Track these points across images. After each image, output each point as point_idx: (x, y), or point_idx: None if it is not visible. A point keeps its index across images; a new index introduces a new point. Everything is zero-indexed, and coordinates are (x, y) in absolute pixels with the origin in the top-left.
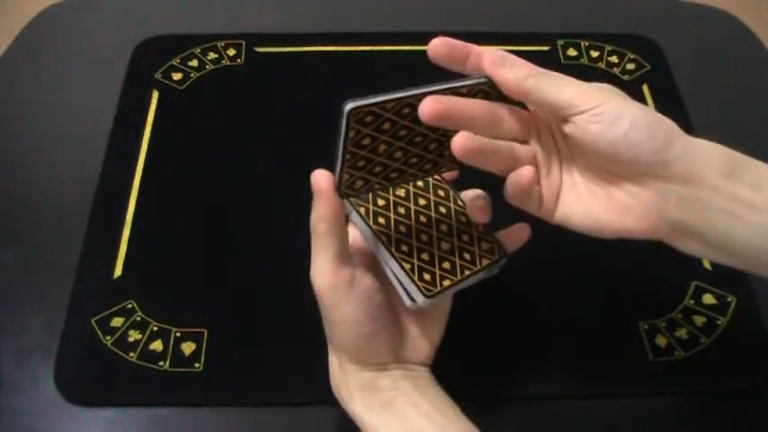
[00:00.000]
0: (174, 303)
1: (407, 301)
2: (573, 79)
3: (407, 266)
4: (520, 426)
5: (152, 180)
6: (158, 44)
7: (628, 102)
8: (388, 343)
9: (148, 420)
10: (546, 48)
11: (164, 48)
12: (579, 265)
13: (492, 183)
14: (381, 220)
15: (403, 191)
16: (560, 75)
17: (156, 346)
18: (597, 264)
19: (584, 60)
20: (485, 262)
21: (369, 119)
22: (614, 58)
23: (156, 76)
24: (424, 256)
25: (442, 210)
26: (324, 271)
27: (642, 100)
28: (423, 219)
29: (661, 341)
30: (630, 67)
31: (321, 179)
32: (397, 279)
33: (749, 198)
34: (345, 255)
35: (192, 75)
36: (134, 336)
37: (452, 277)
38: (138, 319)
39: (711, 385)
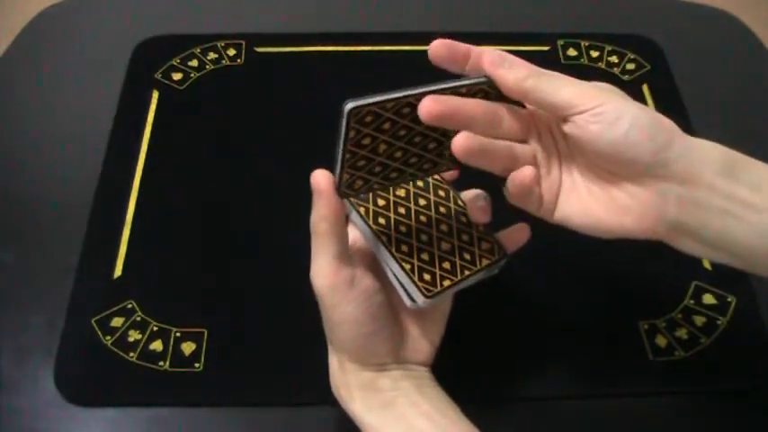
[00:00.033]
0: (174, 303)
1: (407, 302)
2: (572, 79)
3: (407, 266)
4: (520, 426)
5: (152, 180)
6: (158, 44)
7: (628, 102)
8: (389, 343)
9: (148, 420)
10: (546, 48)
11: (164, 48)
12: (579, 266)
13: (492, 183)
14: (381, 221)
15: (403, 191)
16: (560, 75)
17: (156, 346)
18: (597, 264)
19: (584, 60)
20: (485, 262)
21: (369, 118)
22: (614, 58)
23: (156, 76)
24: (424, 257)
25: (442, 210)
26: (324, 271)
27: (642, 100)
28: (423, 219)
29: (661, 341)
30: (630, 67)
31: (321, 179)
32: (397, 279)
33: (748, 198)
34: (345, 255)
35: (192, 75)
36: (134, 336)
37: (452, 277)
38: (138, 319)
39: (711, 385)
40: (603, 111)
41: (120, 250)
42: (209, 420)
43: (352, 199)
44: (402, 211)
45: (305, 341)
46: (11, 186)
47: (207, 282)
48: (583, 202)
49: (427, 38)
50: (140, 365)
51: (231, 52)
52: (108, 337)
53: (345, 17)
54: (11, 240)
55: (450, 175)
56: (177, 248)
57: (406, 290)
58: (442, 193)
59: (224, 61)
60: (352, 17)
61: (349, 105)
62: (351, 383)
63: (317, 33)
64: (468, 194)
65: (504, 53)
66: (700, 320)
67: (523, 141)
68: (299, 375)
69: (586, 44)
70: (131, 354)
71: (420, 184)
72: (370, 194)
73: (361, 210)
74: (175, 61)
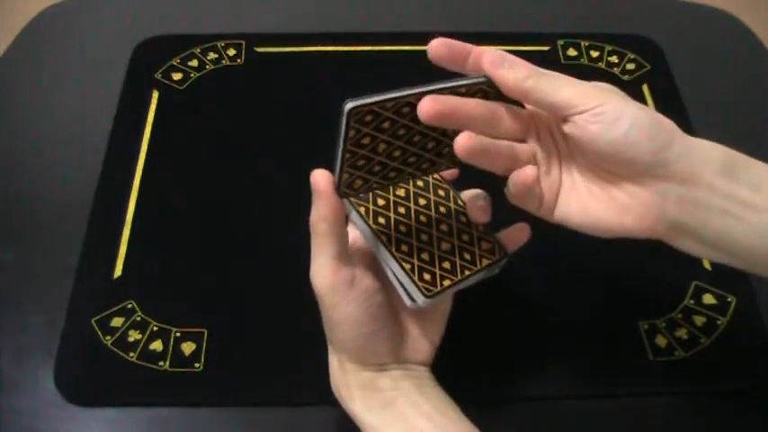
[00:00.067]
0: (174, 303)
1: (407, 301)
2: (572, 79)
3: (407, 266)
4: (520, 426)
5: (152, 180)
6: (158, 44)
7: (628, 102)
8: (389, 343)
9: (148, 420)
10: (546, 48)
11: (164, 48)
12: (579, 265)
13: (492, 183)
14: (381, 220)
15: (403, 191)
16: (560, 75)
17: (156, 346)
18: (597, 264)
19: (584, 60)
20: (485, 262)
21: (369, 118)
22: (614, 58)
23: (156, 76)
24: (425, 256)
25: (442, 210)
26: (324, 271)
27: (642, 100)
28: (423, 219)
29: (661, 341)
30: (630, 67)
31: (321, 179)
32: (397, 279)
33: (748, 198)
34: (345, 255)
35: (192, 75)
36: (134, 336)
37: (452, 277)
38: (138, 319)
39: (711, 385)
40: (603, 111)
41: (120, 250)
42: (209, 420)
43: (351, 198)
44: (402, 210)
45: (305, 341)
46: (11, 186)
47: (207, 282)
48: (582, 202)
49: (427, 38)
50: (140, 365)
51: (231, 52)
52: (108, 337)
53: (345, 17)
54: (11, 240)
55: (450, 174)
56: (177, 248)
57: (406, 290)
58: (441, 192)
59: (224, 61)
60: (352, 17)
61: (349, 105)
62: (351, 383)
63: (317, 33)
64: (468, 194)
65: (505, 53)
66: (700, 320)
67: (522, 141)
68: (299, 375)
69: (586, 44)
70: (131, 354)
71: (420, 183)
72: (370, 194)
73: (361, 209)
74: (175, 61)
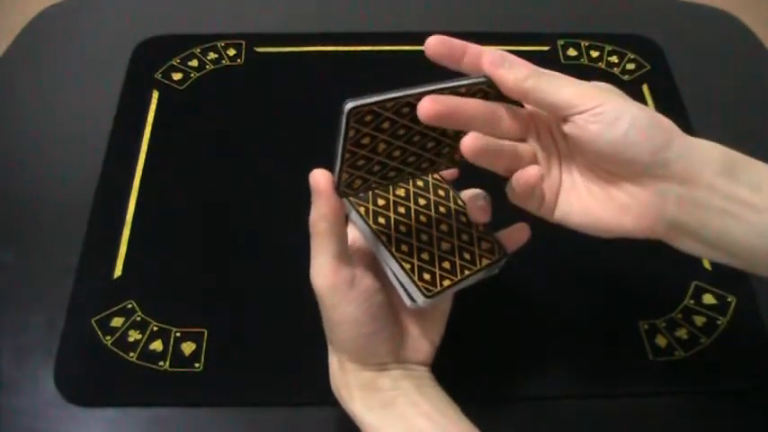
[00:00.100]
0: (174, 303)
1: (407, 301)
2: (572, 79)
3: (407, 266)
4: (520, 426)
5: (152, 180)
6: (158, 44)
7: (627, 102)
8: (389, 343)
9: (148, 420)
10: (546, 48)
11: (164, 48)
12: (579, 265)
13: (492, 182)
14: (381, 220)
15: (403, 190)
16: (560, 74)
17: (156, 346)
18: (597, 264)
19: (584, 60)
20: (485, 262)
21: (368, 118)
22: (614, 58)
23: (156, 76)
24: (424, 256)
25: (442, 209)
26: (324, 271)
27: (642, 100)
28: (423, 218)
29: (661, 341)
30: (630, 67)
31: (320, 178)
32: (397, 279)
33: (747, 198)
34: (345, 254)
35: (192, 75)
36: (134, 336)
37: (452, 277)
38: (138, 319)
39: (711, 385)
40: (603, 111)
41: (120, 250)
42: (209, 420)
43: (351, 198)
44: (402, 210)
45: (305, 341)
46: (11, 186)
47: (207, 282)
48: (582, 202)
49: (427, 38)
50: (140, 365)
51: (231, 52)
52: (108, 337)
53: (345, 17)
54: (11, 240)
55: (450, 174)
56: (177, 248)
57: (405, 289)
58: (441, 192)
59: (224, 61)
60: (352, 17)
61: (349, 105)
62: (351, 383)
63: (317, 33)
64: (468, 194)
65: (505, 53)
66: (700, 320)
67: (522, 141)
68: (299, 375)
69: (586, 44)
70: (131, 354)
71: (420, 183)
72: (370, 194)
73: (361, 209)
74: (175, 61)
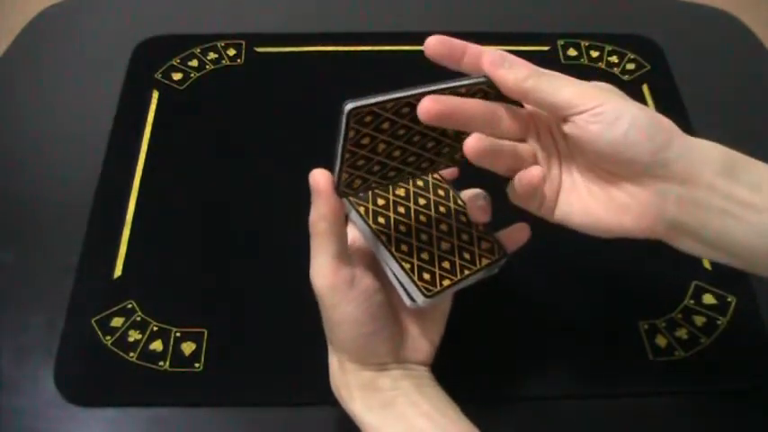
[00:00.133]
0: (174, 303)
1: (407, 301)
2: (572, 79)
3: (407, 266)
4: (520, 426)
5: (152, 180)
6: (158, 44)
7: (627, 102)
8: (388, 343)
9: (148, 420)
10: (546, 48)
11: (164, 48)
12: (579, 265)
13: (491, 182)
14: (381, 220)
15: (403, 190)
16: (560, 74)
17: (156, 346)
18: (597, 263)
19: (584, 60)
20: (484, 261)
21: (368, 119)
22: (614, 58)
23: (156, 76)
24: (424, 256)
25: (442, 209)
26: (324, 271)
27: (642, 100)
28: (422, 218)
29: (661, 341)
30: (630, 67)
31: (320, 178)
32: (397, 279)
33: (747, 198)
34: (345, 254)
35: (192, 75)
36: (134, 336)
37: (452, 277)
38: (138, 319)
39: (711, 385)
40: (603, 111)
41: (120, 250)
42: (209, 420)
43: (351, 198)
44: (402, 210)
45: (305, 341)
46: (11, 186)
47: (207, 282)
48: (582, 202)
49: (427, 38)
50: (140, 365)
51: (231, 52)
52: (108, 337)
53: (345, 17)
54: (11, 240)
55: (450, 174)
56: (177, 248)
57: (405, 289)
58: (441, 192)
59: (224, 61)
60: (352, 17)
61: (349, 106)
62: (351, 383)
63: (317, 33)
64: (468, 194)
65: (505, 53)
66: (700, 320)
67: (522, 141)
68: (299, 375)
69: (586, 44)
70: (131, 354)
71: (420, 183)
72: (370, 194)
73: (361, 209)
74: (175, 61)
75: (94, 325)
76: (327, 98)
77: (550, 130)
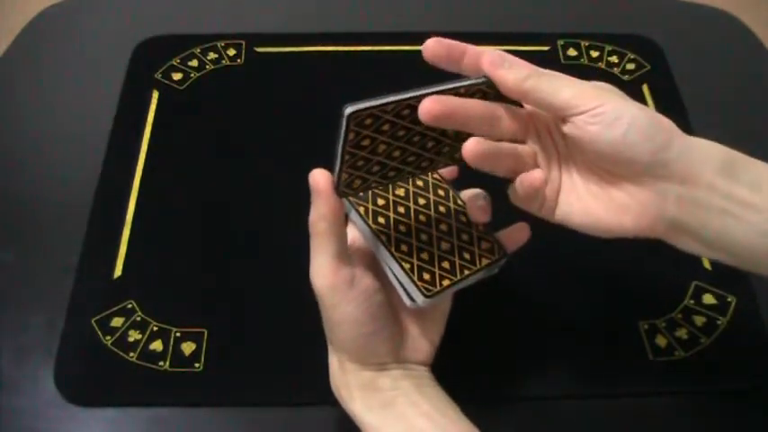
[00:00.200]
0: (174, 303)
1: (407, 301)
2: (572, 79)
3: (407, 266)
4: (520, 426)
5: (152, 180)
6: (158, 44)
7: (627, 102)
8: (388, 343)
9: (148, 420)
10: (546, 48)
11: (164, 48)
12: (579, 265)
13: (492, 183)
14: (381, 220)
15: (402, 190)
16: (559, 74)
17: (156, 346)
18: (597, 263)
19: (584, 60)
20: (484, 261)
21: (368, 121)
22: (614, 58)
23: (156, 76)
24: (424, 256)
25: (442, 209)
26: (323, 271)
27: (642, 100)
28: (422, 218)
29: (661, 341)
30: (630, 67)
31: (320, 178)
32: (397, 279)
33: (747, 198)
34: (345, 254)
35: (192, 75)
36: (134, 336)
37: (452, 277)
38: (138, 319)
39: (711, 385)
40: (603, 111)
41: (120, 250)
42: (209, 420)
43: (351, 198)
44: (401, 210)
45: (305, 341)
46: (11, 186)
47: (207, 282)
48: (582, 202)
49: (427, 38)
50: (140, 365)
51: (231, 52)
52: (108, 337)
53: (345, 17)
54: (11, 240)
55: (450, 173)
56: (177, 248)
57: (405, 289)
58: (441, 192)
59: (224, 61)
60: (352, 17)
61: (349, 109)
62: (351, 383)
63: (317, 33)
64: (468, 194)
65: (504, 53)
66: (700, 320)
67: (522, 142)
68: (299, 375)
69: (586, 44)
70: (131, 354)
71: (419, 183)
72: (370, 194)
73: (361, 209)
74: (175, 61)
75: (94, 325)
76: (327, 98)
77: (550, 131)
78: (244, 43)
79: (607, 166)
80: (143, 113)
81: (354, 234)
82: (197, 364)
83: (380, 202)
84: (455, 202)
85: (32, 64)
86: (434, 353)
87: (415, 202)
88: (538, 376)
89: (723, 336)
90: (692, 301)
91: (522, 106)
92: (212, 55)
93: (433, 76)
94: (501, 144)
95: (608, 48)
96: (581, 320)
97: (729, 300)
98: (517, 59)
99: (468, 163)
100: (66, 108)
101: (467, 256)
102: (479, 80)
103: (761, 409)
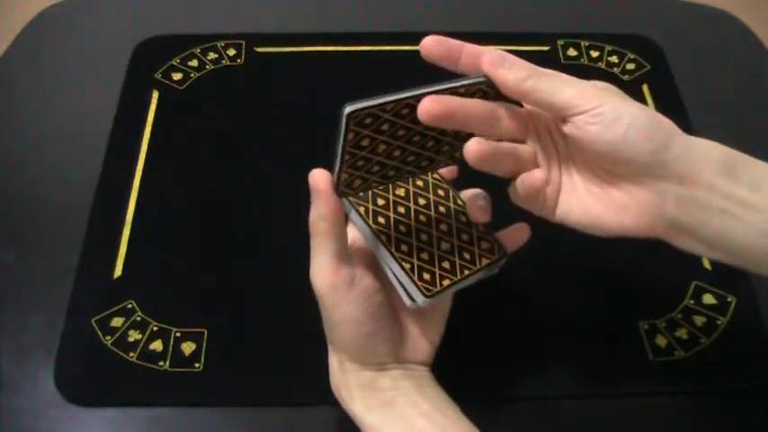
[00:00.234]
0: (174, 303)
1: (407, 301)
2: (572, 78)
3: (407, 266)
4: (520, 426)
5: (152, 180)
6: (158, 44)
7: (627, 102)
8: (388, 343)
9: (148, 420)
10: (546, 48)
11: (164, 48)
12: (579, 265)
13: (492, 183)
14: (381, 220)
15: (403, 190)
16: (559, 74)
17: (156, 346)
18: (597, 263)
19: (584, 60)
20: (484, 261)
21: (368, 121)
22: (614, 58)
23: (156, 76)
24: (424, 256)
25: (442, 209)
26: (323, 271)
27: (642, 100)
28: (422, 218)
29: (661, 341)
30: (630, 67)
31: (320, 178)
32: (397, 279)
33: (747, 198)
34: (345, 254)
35: (192, 75)
36: (134, 336)
37: (452, 277)
38: (138, 319)
39: (711, 385)
40: (602, 111)
41: (120, 250)
42: (209, 420)
43: (351, 198)
44: (402, 210)
45: (305, 341)
46: (11, 186)
47: (207, 282)
48: (582, 202)
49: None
50: (140, 365)
51: (231, 52)
52: (108, 337)
53: (345, 17)
54: (11, 240)
55: (450, 173)
56: (177, 248)
57: (405, 289)
58: (441, 192)
59: (224, 61)
60: (352, 17)
61: (348, 109)
62: (351, 383)
63: (317, 33)
64: (468, 194)
65: (504, 53)
66: (700, 320)
67: (522, 141)
68: (299, 375)
69: (586, 44)
70: (131, 354)
71: (420, 183)
72: (370, 193)
73: (361, 209)
74: (175, 61)
75: (94, 325)
76: (327, 98)
77: (550, 131)
78: (244, 43)
79: (607, 165)
80: (143, 113)
81: (354, 234)
82: (197, 364)
83: (380, 202)
84: (455, 202)
85: (32, 64)
86: (434, 353)
87: (416, 202)
88: (538, 376)
89: (723, 336)
90: (692, 301)
91: (521, 106)
92: (212, 55)
93: (434, 75)
94: (501, 144)
95: (608, 48)
96: (581, 320)
97: (729, 300)
98: (517, 59)
99: (470, 163)
100: (66, 108)
101: (467, 256)
102: (479, 79)
103: (761, 409)
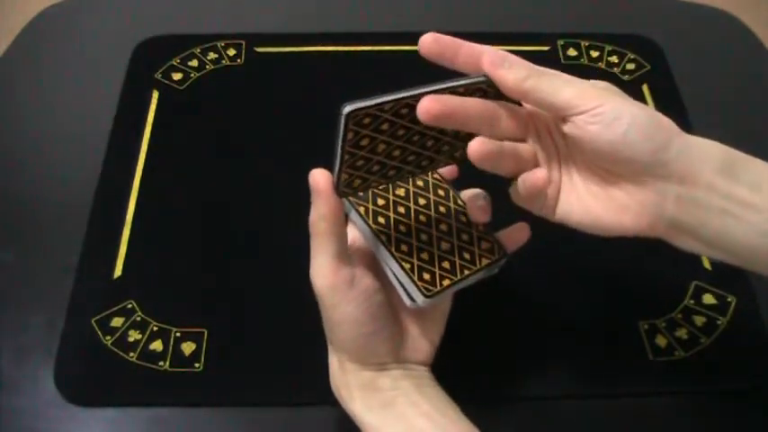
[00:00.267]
0: (174, 303)
1: (407, 301)
2: (572, 78)
3: (407, 266)
4: (520, 426)
5: (152, 180)
6: (158, 44)
7: (627, 101)
8: (388, 343)
9: (148, 420)
10: (546, 48)
11: (164, 48)
12: (579, 265)
13: (491, 182)
14: (381, 220)
15: (403, 190)
16: (560, 74)
17: (156, 346)
18: (597, 263)
19: (584, 60)
20: (484, 261)
21: (367, 120)
22: (614, 58)
23: (156, 76)
24: (424, 256)
25: (442, 209)
26: (323, 271)
27: (642, 100)
28: (422, 218)
29: (661, 341)
30: (630, 67)
31: (320, 178)
32: (397, 279)
33: (747, 197)
34: (345, 254)
35: (192, 75)
36: (134, 336)
37: (452, 277)
38: (138, 319)
39: (711, 385)
40: (602, 111)
41: (120, 250)
42: (209, 420)
43: (351, 198)
44: (402, 210)
45: (305, 341)
46: (11, 186)
47: (207, 282)
48: (582, 201)
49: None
50: (140, 365)
51: (231, 52)
52: (108, 337)
53: (345, 17)
54: (11, 240)
55: (450, 173)
56: (177, 248)
57: (405, 289)
58: (441, 192)
59: (224, 61)
60: (352, 17)
61: (347, 109)
62: (351, 383)
63: (317, 33)
64: (468, 194)
65: (505, 53)
66: (700, 320)
67: (522, 141)
68: (299, 375)
69: (586, 44)
70: (131, 354)
71: (420, 183)
72: (370, 193)
73: (361, 209)
74: (175, 61)
75: (94, 325)
76: (327, 98)
77: (550, 130)
78: (244, 43)
79: (607, 165)
80: (143, 113)
81: (354, 234)
82: (197, 364)
83: (380, 202)
84: (455, 202)
85: (32, 64)
86: (434, 353)
87: (416, 202)
88: (538, 376)
89: (723, 336)
90: (692, 301)
91: (521, 105)
92: (212, 55)
93: (434, 75)
94: (503, 143)
95: (608, 48)
96: (581, 320)
97: (729, 300)
98: (517, 59)
99: (474, 163)
100: (66, 108)
101: (467, 256)
102: (479, 79)
103: (761, 409)
